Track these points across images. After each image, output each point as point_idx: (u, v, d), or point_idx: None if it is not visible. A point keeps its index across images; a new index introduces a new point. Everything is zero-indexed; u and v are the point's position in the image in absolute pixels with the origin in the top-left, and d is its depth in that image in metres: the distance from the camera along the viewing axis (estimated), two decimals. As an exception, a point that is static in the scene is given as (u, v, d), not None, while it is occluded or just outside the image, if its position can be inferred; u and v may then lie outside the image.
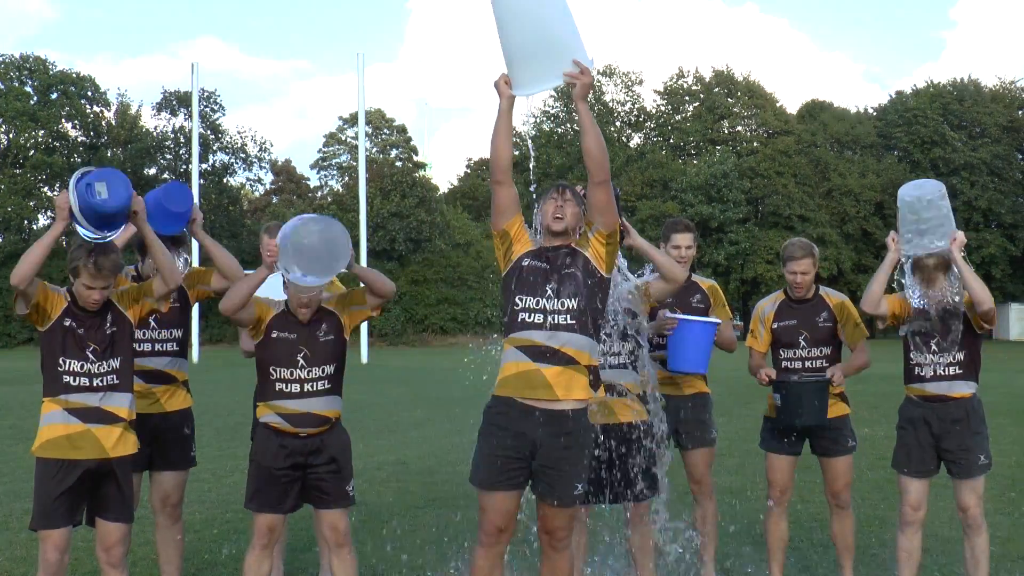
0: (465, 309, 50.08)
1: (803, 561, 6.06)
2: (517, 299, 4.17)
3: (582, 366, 4.13)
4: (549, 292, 4.15)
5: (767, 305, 5.64)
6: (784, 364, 5.51)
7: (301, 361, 4.57)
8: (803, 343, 5.45)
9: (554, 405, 4.08)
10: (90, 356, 4.39)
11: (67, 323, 4.38)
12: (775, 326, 5.53)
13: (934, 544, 6.28)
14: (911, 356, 5.12)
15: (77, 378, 4.38)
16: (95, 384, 4.39)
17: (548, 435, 4.07)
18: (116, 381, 4.44)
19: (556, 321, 4.12)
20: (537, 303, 4.15)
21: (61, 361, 4.38)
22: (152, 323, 5.07)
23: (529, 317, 4.14)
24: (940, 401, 5.05)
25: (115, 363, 4.45)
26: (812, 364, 5.43)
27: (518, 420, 4.09)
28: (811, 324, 5.44)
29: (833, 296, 5.55)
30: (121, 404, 4.44)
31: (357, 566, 4.74)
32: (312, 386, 4.58)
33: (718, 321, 5.45)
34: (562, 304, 4.13)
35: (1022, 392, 17.18)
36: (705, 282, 5.77)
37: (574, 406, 4.12)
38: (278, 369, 4.58)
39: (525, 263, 4.23)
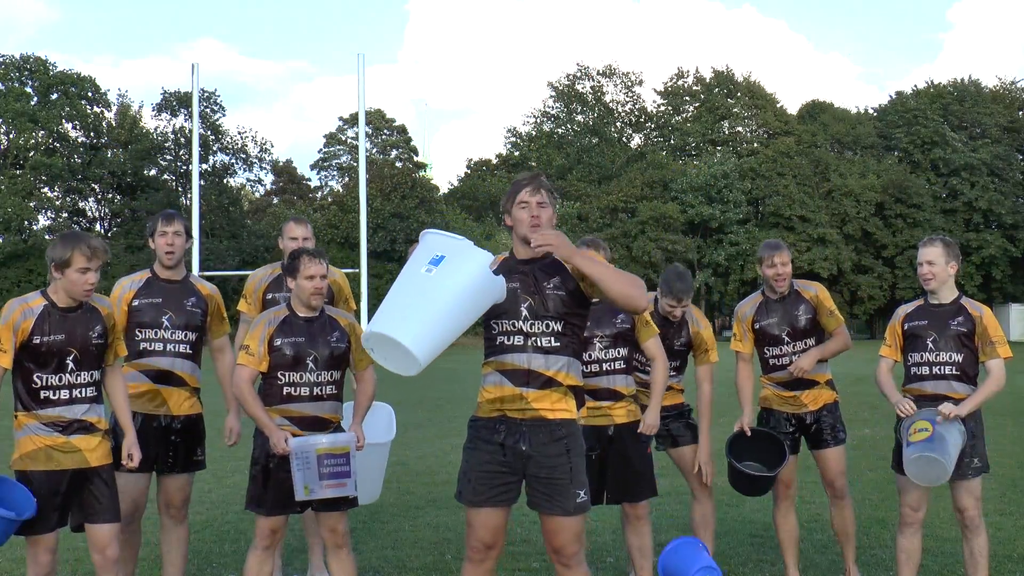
0: (465, 310, 50.01)
1: (803, 561, 6.05)
2: (492, 323, 3.97)
3: (565, 387, 3.94)
4: (525, 313, 3.89)
5: (747, 308, 5.65)
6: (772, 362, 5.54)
7: (311, 365, 4.59)
8: (786, 338, 5.48)
9: (540, 418, 3.92)
10: (70, 365, 4.28)
11: (36, 340, 4.23)
12: (756, 326, 5.56)
13: (934, 544, 6.28)
14: (909, 356, 5.12)
15: (56, 392, 4.28)
16: (74, 396, 4.31)
17: (538, 443, 3.90)
18: (95, 393, 4.40)
19: (538, 343, 3.89)
20: (514, 325, 3.91)
21: (36, 377, 4.26)
22: (165, 322, 5.01)
23: (508, 340, 3.92)
24: (937, 400, 5.03)
25: (97, 375, 4.41)
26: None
27: (505, 432, 3.92)
28: (791, 318, 5.47)
29: (807, 290, 5.56)
30: (99, 415, 4.42)
31: (356, 567, 4.75)
32: (321, 390, 4.61)
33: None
34: (546, 326, 3.89)
35: (1022, 392, 17.16)
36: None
37: (562, 418, 3.94)
38: (287, 373, 4.58)
39: None
